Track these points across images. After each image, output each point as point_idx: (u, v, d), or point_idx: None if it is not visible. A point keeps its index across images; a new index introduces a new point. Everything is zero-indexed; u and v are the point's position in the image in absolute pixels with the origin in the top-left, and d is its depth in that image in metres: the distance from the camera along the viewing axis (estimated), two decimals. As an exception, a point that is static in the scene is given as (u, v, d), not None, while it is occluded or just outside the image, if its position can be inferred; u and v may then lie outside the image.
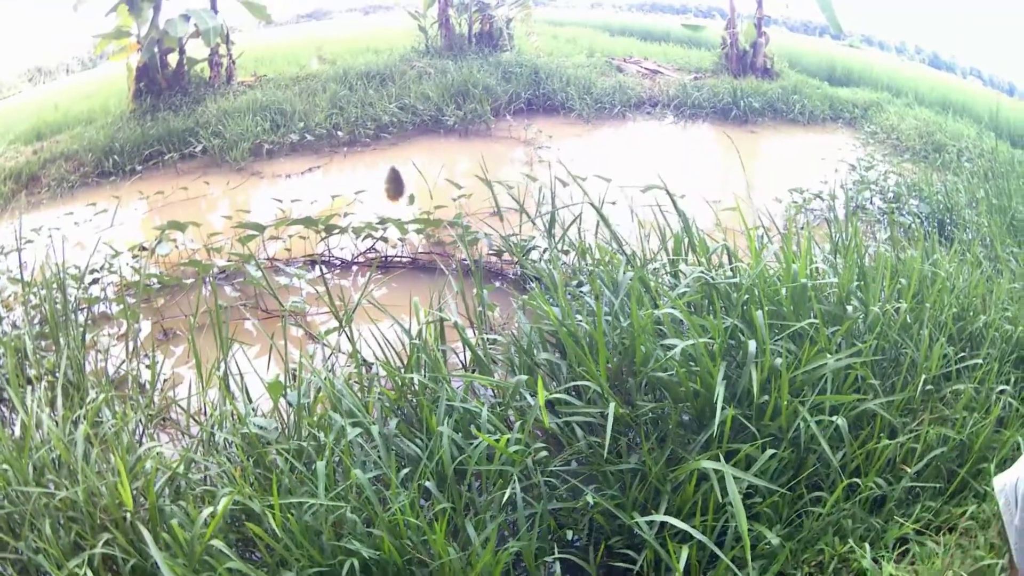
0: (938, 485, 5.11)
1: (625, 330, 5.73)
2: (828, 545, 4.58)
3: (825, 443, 4.83)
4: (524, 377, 5.45)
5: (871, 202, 12.60)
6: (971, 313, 6.57)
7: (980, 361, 5.90)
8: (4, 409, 6.64)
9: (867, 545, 4.45)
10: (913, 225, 10.16)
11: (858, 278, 6.48)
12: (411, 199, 11.10)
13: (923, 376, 5.54)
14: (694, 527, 4.38)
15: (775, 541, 4.44)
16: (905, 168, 14.87)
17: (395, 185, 8.17)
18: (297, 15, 35.61)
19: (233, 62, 20.66)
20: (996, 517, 4.36)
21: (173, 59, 19.65)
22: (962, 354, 6.04)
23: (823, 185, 12.18)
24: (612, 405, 4.88)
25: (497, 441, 4.79)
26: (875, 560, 4.39)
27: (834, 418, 4.99)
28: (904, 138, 17.51)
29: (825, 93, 21.60)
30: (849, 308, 6.00)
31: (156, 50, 19.02)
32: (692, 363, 5.34)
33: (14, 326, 8.04)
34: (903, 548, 4.65)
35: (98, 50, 21.09)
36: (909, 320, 6.10)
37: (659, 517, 4.51)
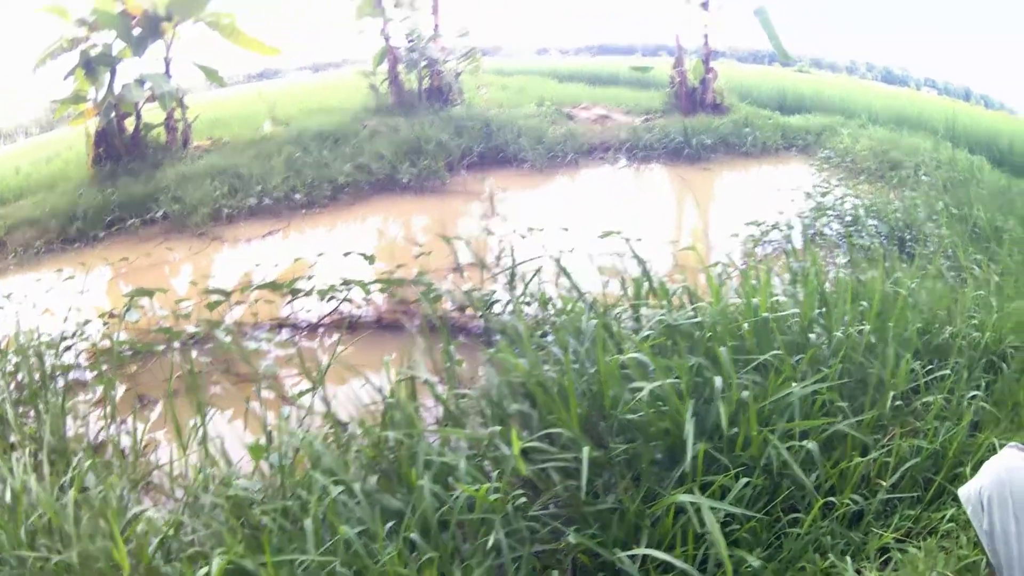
0: (915, 494, 5.23)
1: (592, 376, 5.83)
2: (809, 562, 4.66)
3: (797, 467, 4.97)
4: (498, 428, 5.54)
5: (829, 227, 12.68)
6: (936, 326, 6.74)
7: (948, 371, 6.04)
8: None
9: (848, 558, 4.56)
10: (873, 245, 10.26)
11: (819, 305, 6.63)
12: (371, 259, 11.18)
13: (891, 393, 5.68)
14: (675, 558, 4.48)
15: (756, 564, 4.53)
16: (862, 189, 15.03)
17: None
18: (248, 75, 35.66)
19: (188, 126, 20.80)
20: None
21: (130, 124, 19.87)
22: (929, 366, 6.19)
23: (779, 216, 12.32)
24: (586, 449, 4.98)
25: (477, 491, 4.87)
26: (857, 571, 4.51)
27: (804, 442, 5.12)
28: (859, 159, 17.74)
29: (777, 123, 21.86)
30: (812, 336, 6.15)
31: (113, 115, 19.23)
32: (660, 403, 5.44)
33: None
34: (885, 557, 4.76)
35: (57, 115, 21.33)
36: (873, 340, 6.22)
37: (640, 551, 4.58)
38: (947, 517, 4.89)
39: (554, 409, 5.48)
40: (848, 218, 12.75)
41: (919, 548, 4.65)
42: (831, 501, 5.01)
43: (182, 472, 6.34)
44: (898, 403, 5.77)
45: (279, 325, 10.24)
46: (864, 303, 6.75)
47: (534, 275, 8.64)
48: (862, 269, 8.58)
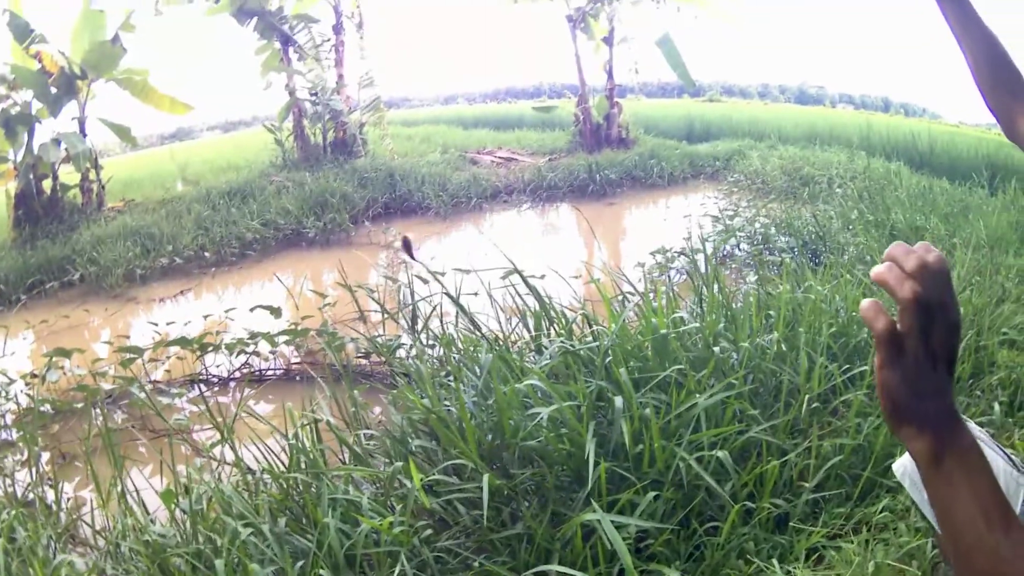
0: (843, 490, 5.32)
1: (492, 407, 5.94)
2: (733, 569, 4.73)
3: (707, 476, 5.05)
4: (400, 464, 5.68)
5: (738, 248, 12.94)
6: (853, 328, 6.83)
7: (868, 367, 6.18)
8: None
9: (775, 561, 4.64)
10: (785, 260, 10.19)
11: (725, 319, 6.84)
12: (278, 312, 11.36)
13: (806, 396, 5.81)
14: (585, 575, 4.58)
15: (676, 575, 4.66)
16: (773, 208, 15.24)
17: (407, 248, 8.28)
18: (161, 136, 35.68)
19: (103, 187, 20.87)
20: (912, 502, 4.53)
21: (48, 185, 19.90)
22: (848, 366, 6.29)
23: (686, 242, 12.15)
24: (486, 477, 5.08)
25: (380, 524, 5.04)
26: (787, 572, 4.57)
27: (715, 452, 5.20)
28: (769, 179, 18.07)
29: (684, 152, 22.39)
30: (717, 349, 6.22)
31: (31, 176, 19.24)
32: (561, 427, 5.56)
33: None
34: (816, 556, 4.81)
35: (-23, 176, 21.15)
36: (784, 348, 6.40)
37: (549, 567, 4.66)
38: (880, 509, 5.01)
39: (455, 442, 5.61)
40: (758, 237, 12.98)
41: (852, 543, 4.73)
42: (751, 507, 5.10)
43: (105, 524, 6.51)
44: (816, 405, 5.90)
45: (191, 381, 10.37)
46: (772, 312, 6.99)
47: (430, 314, 8.83)
48: (772, 283, 8.81)
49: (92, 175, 20.83)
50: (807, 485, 5.26)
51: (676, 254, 12.24)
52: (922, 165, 17.94)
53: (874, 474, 5.32)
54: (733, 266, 11.84)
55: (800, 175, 17.63)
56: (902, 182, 15.38)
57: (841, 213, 12.97)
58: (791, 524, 5.07)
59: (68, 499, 7.40)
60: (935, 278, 1.41)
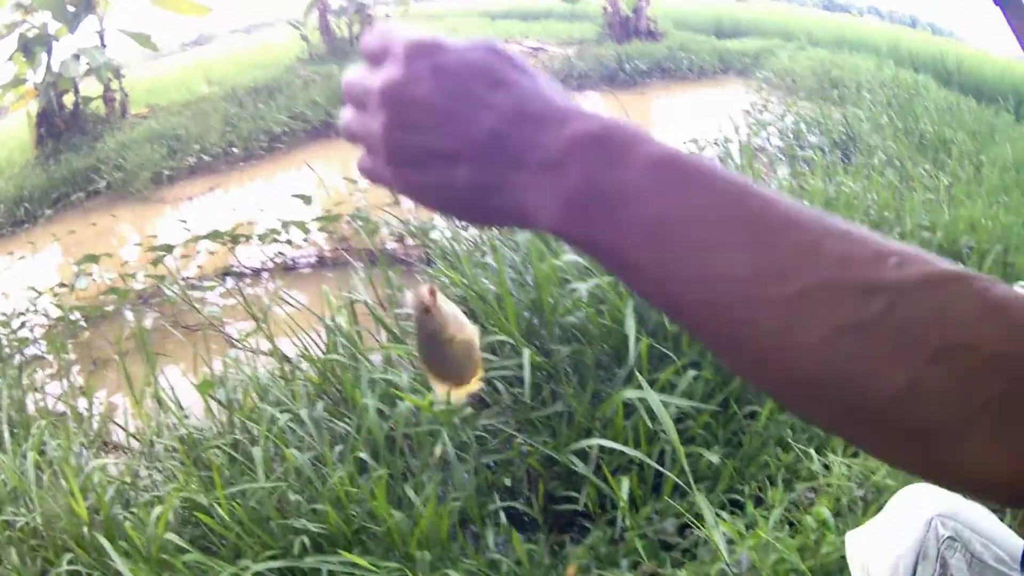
0: None
1: (530, 284, 5.77)
2: (771, 456, 4.59)
3: None
4: None
5: (768, 142, 12.49)
6: (885, 227, 6.59)
7: None
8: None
9: (812, 451, 4.47)
10: (815, 157, 10.06)
11: None
12: (308, 200, 11.12)
13: None
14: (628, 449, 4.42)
15: (715, 459, 4.45)
16: (802, 106, 14.74)
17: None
18: (182, 43, 35.42)
19: (126, 96, 20.57)
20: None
21: (69, 100, 19.59)
22: None
23: (718, 133, 12.04)
24: (526, 352, 4.93)
25: (420, 402, 4.86)
26: (825, 467, 4.39)
27: None
28: (799, 79, 17.43)
29: (713, 47, 21.69)
30: None
31: (52, 94, 18.93)
32: (601, 303, 5.39)
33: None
34: (854, 451, 4.53)
35: (-1, 102, 20.95)
36: None
37: (591, 441, 4.53)
38: None
39: (494, 318, 5.43)
40: (789, 133, 12.57)
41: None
42: None
43: (139, 426, 6.30)
44: None
45: (224, 274, 10.17)
46: (806, 203, 6.61)
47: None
48: (804, 178, 8.55)
49: (114, 85, 20.50)
50: None
51: (708, 143, 11.88)
52: (949, 82, 17.15)
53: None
54: (764, 160, 11.37)
55: (830, 77, 17.05)
56: (929, 94, 14.87)
57: (870, 117, 12.56)
58: None
59: (100, 406, 7.16)
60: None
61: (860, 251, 0.83)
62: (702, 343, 0.91)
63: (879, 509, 3.84)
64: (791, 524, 4.04)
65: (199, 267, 10.58)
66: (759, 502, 4.37)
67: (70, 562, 4.50)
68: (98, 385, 7.71)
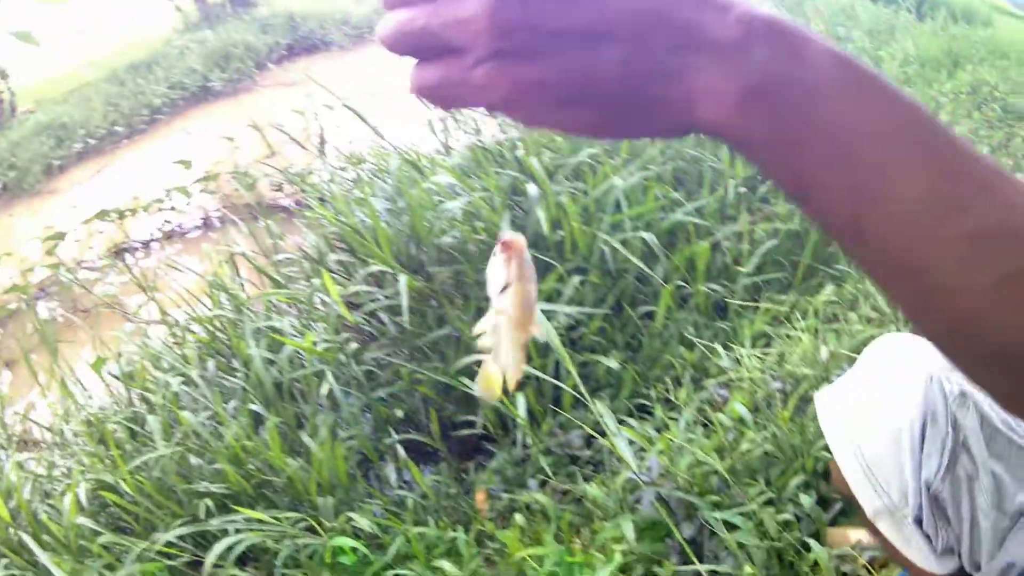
0: (782, 276, 5.13)
1: (404, 210, 5.68)
2: (675, 356, 4.54)
3: (633, 256, 4.80)
4: (316, 280, 5.44)
5: None
6: None
7: None
8: None
9: (719, 347, 4.43)
10: None
11: None
12: (188, 164, 11.05)
13: (730, 180, 5.55)
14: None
15: (615, 365, 4.45)
16: None
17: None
18: (65, 34, 34.91)
19: (13, 95, 20.30)
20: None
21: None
22: None
23: None
24: (403, 277, 4.88)
25: (302, 344, 4.83)
26: (736, 361, 4.32)
27: (639, 233, 4.96)
28: None
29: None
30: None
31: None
32: (476, 220, 5.36)
33: None
34: (764, 343, 4.57)
35: None
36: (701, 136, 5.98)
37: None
38: (826, 296, 4.73)
39: (369, 248, 5.38)
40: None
41: (798, 328, 4.46)
42: (687, 294, 4.90)
43: (50, 418, 6.26)
44: (743, 191, 5.62)
45: (117, 252, 10.10)
46: None
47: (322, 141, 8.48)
48: None
49: (2, 86, 20.16)
50: (743, 269, 5.02)
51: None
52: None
53: (814, 261, 5.12)
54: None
55: None
56: (821, -2, 14.73)
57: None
58: (732, 310, 4.87)
59: (14, 405, 7.13)
60: None
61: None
62: (863, 268, 0.82)
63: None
64: (706, 425, 3.99)
65: (90, 248, 10.47)
66: (670, 406, 4.32)
67: (6, 567, 4.46)
68: (15, 384, 7.66)
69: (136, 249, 10.32)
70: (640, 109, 0.76)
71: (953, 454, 1.86)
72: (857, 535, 3.07)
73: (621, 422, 3.93)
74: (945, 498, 1.91)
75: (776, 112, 0.75)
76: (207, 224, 10.18)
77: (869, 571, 2.88)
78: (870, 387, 2.02)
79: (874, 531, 2.07)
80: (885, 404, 1.96)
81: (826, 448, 3.34)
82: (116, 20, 34.31)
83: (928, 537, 1.97)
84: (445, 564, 3.62)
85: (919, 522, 1.96)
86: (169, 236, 10.11)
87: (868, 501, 2.00)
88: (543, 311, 4.35)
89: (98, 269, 9.42)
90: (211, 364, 5.34)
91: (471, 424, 4.68)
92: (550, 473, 4.17)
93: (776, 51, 0.75)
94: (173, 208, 10.63)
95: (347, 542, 3.86)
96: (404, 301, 4.80)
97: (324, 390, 4.72)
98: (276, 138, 9.60)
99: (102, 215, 10.44)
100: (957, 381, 1.86)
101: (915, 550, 2.00)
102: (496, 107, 0.75)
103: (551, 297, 4.74)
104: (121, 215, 10.44)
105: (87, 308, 8.51)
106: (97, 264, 9.59)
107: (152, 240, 10.33)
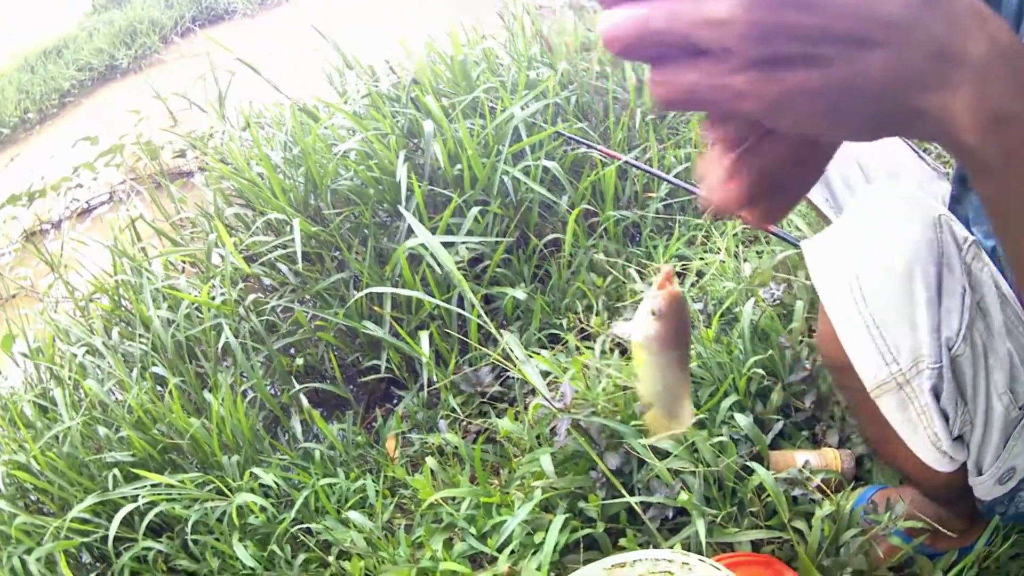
0: (695, 200, 4.90)
1: (299, 157, 5.57)
2: (586, 284, 4.43)
3: (535, 184, 4.71)
4: (213, 235, 5.27)
5: None
6: None
7: None
8: None
9: (634, 271, 4.32)
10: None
11: (540, 45, 6.33)
12: (95, 140, 10.96)
13: (637, 109, 5.43)
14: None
15: (522, 296, 4.35)
16: None
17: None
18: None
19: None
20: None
21: None
22: None
23: None
24: (296, 221, 4.77)
25: (198, 298, 4.74)
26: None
27: (541, 161, 4.81)
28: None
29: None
30: (532, 74, 5.83)
31: None
32: (370, 160, 5.21)
33: None
34: (682, 265, 4.40)
35: None
36: (609, 69, 5.82)
37: (373, 289, 4.32)
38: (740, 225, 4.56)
39: (265, 198, 5.29)
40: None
41: (714, 252, 4.31)
42: (595, 222, 4.80)
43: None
44: (651, 119, 5.47)
45: (29, 235, 9.98)
46: (591, 33, 6.37)
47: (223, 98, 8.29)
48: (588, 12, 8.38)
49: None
50: (654, 195, 4.91)
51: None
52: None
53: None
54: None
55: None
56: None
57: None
58: (645, 235, 4.77)
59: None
60: None
61: None
62: None
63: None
64: (624, 352, 3.85)
65: (4, 235, 10.32)
66: (585, 335, 4.24)
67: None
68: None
69: (47, 231, 10.17)
70: (896, 117, 0.74)
71: (971, 313, 1.66)
72: (804, 456, 2.94)
73: (534, 355, 3.79)
74: (964, 365, 1.69)
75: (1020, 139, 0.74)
76: (113, 198, 10.02)
77: (824, 493, 2.75)
78: (870, 231, 1.74)
79: (866, 415, 1.90)
80: (890, 247, 1.67)
81: (757, 365, 3.26)
82: (31, 10, 34.05)
83: (945, 417, 1.74)
84: (355, 515, 3.52)
85: (935, 395, 1.71)
86: (80, 213, 9.96)
87: (871, 370, 1.74)
88: (443, 243, 4.23)
89: (11, 253, 9.30)
90: (115, 332, 5.22)
91: (376, 369, 4.55)
92: (460, 413, 4.07)
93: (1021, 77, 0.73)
94: (80, 186, 10.52)
95: (253, 499, 3.75)
96: (298, 245, 4.69)
97: (221, 343, 4.61)
98: (179, 106, 9.51)
99: (13, 200, 10.43)
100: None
101: (923, 436, 1.78)
102: (755, 114, 0.72)
103: (452, 230, 4.63)
104: (31, 198, 10.38)
105: (1, 295, 8.42)
106: (9, 249, 9.46)
107: (62, 220, 10.14)
